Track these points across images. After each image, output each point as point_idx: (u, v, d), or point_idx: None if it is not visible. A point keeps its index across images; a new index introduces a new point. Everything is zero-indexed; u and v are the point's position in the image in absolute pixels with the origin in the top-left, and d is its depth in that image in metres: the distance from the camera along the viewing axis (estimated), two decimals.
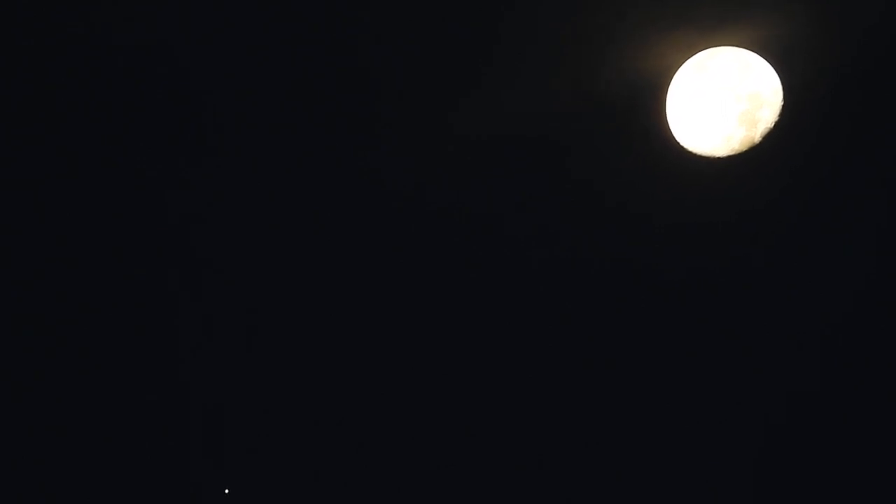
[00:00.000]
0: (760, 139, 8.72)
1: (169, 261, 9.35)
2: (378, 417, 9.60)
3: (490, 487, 9.57)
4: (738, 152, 8.77)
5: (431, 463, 9.58)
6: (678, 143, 8.90)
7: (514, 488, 9.55)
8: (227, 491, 9.50)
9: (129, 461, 9.49)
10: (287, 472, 9.66)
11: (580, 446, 9.52)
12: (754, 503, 9.46)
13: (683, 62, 8.80)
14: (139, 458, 9.50)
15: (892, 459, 9.20)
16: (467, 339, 9.54)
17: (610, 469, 9.51)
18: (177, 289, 9.44)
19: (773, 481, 9.41)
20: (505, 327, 9.52)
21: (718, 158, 8.83)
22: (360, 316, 9.52)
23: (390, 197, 9.22)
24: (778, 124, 8.70)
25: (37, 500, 9.37)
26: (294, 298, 9.52)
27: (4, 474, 9.36)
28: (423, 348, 9.54)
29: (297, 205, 9.29)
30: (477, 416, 9.55)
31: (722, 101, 8.62)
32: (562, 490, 9.51)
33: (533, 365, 9.55)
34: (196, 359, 9.52)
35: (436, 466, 9.57)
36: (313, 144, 9.10)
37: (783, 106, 8.68)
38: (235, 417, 9.62)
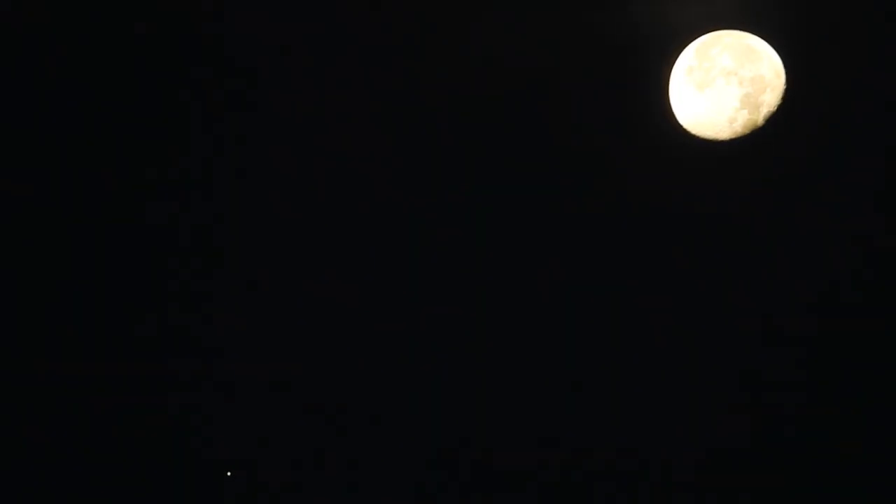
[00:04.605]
0: (763, 122, 8.70)
1: (169, 259, 9.40)
2: (378, 416, 9.64)
3: (490, 485, 9.61)
4: (741, 135, 8.76)
5: (431, 460, 9.62)
6: (681, 127, 8.89)
7: (513, 486, 9.60)
8: (228, 473, 9.56)
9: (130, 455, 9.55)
10: (288, 467, 9.71)
11: (580, 446, 9.56)
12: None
13: (687, 45, 8.78)
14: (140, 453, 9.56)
15: (893, 459, 9.23)
16: (467, 336, 9.56)
17: (610, 468, 9.55)
18: (180, 285, 9.48)
19: (773, 482, 9.45)
20: (503, 318, 9.55)
21: (721, 142, 8.81)
22: (359, 315, 9.55)
23: (389, 194, 9.24)
24: (781, 107, 8.69)
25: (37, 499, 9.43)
26: (294, 297, 9.55)
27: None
28: (424, 346, 9.57)
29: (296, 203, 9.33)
30: (477, 416, 9.59)
31: (725, 84, 8.60)
32: (562, 488, 9.57)
33: (532, 359, 9.58)
34: (195, 356, 9.56)
35: (435, 465, 9.61)
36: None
37: (786, 89, 8.67)
38: (236, 414, 9.66)
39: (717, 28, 8.74)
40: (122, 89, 8.99)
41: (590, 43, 8.95)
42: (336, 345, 9.62)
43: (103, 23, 8.78)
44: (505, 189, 9.32)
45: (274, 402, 9.66)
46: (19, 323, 9.38)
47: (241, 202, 9.39)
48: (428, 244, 9.45)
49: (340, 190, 9.43)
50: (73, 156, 9.10)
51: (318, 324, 9.62)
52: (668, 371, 9.48)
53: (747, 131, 8.72)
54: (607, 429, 9.56)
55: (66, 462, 9.47)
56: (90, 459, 9.49)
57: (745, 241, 9.30)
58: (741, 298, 9.40)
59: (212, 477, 9.60)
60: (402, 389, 9.65)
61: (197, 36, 8.93)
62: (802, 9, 8.67)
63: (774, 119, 8.69)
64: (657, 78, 8.90)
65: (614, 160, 9.21)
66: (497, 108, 9.15)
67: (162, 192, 9.27)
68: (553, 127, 9.23)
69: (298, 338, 9.63)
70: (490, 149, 9.21)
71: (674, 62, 8.84)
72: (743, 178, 9.12)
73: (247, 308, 9.59)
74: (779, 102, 8.67)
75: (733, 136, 8.75)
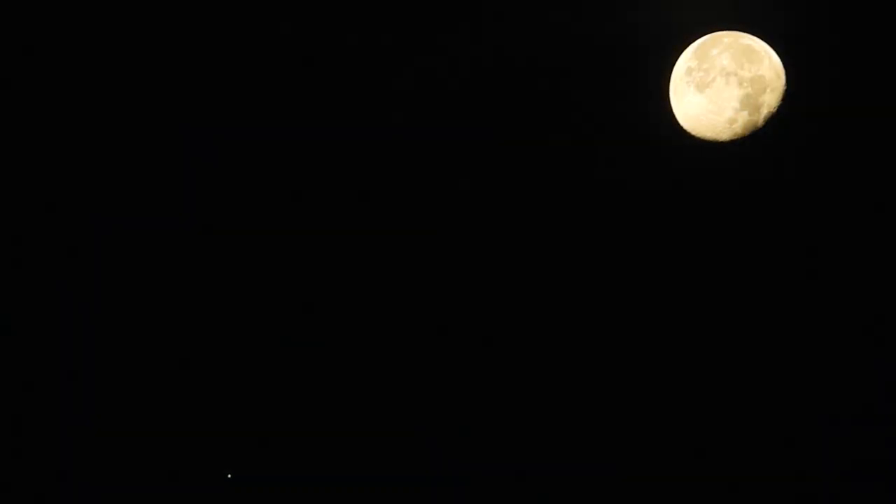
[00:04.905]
0: (763, 123, 8.67)
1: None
2: (376, 414, 9.65)
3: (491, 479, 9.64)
4: (741, 136, 8.73)
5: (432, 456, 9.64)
6: (681, 127, 8.86)
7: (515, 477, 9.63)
8: (229, 476, 9.57)
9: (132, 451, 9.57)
10: (287, 462, 9.72)
11: (578, 450, 9.57)
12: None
13: (686, 46, 8.76)
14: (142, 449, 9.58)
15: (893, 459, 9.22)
16: (465, 335, 9.57)
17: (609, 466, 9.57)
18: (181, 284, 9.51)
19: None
20: (502, 318, 9.55)
21: (721, 143, 8.79)
22: (360, 313, 9.56)
23: (387, 192, 9.26)
24: (781, 108, 8.66)
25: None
26: (292, 294, 9.57)
27: None
28: (425, 344, 9.57)
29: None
30: (473, 421, 9.60)
31: (725, 84, 8.57)
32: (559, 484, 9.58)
33: (532, 356, 9.58)
34: (196, 352, 9.58)
35: (437, 463, 9.63)
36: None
37: (786, 90, 8.64)
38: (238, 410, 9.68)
39: (716, 28, 8.71)
40: None
41: (590, 44, 8.94)
42: (334, 343, 9.64)
43: None
44: (503, 190, 9.31)
45: (273, 402, 9.69)
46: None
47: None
48: (426, 243, 9.45)
49: (339, 186, 9.46)
50: None
51: (316, 323, 9.64)
52: (667, 371, 9.47)
53: (747, 132, 8.69)
54: (606, 430, 9.57)
55: (67, 463, 9.49)
56: (91, 460, 9.50)
57: (746, 243, 9.29)
58: (741, 298, 9.38)
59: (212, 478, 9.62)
60: (401, 389, 9.66)
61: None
62: (802, 9, 8.65)
63: (775, 120, 8.66)
64: (657, 79, 8.88)
65: (614, 161, 9.20)
66: (496, 110, 9.14)
67: None
68: (553, 128, 9.22)
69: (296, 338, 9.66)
70: (488, 150, 9.20)
71: (673, 63, 8.81)
72: (743, 179, 9.10)
73: (246, 307, 9.62)
74: (779, 103, 8.63)
75: (733, 138, 8.71)
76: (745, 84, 8.53)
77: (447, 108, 9.15)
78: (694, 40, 8.74)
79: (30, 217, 9.29)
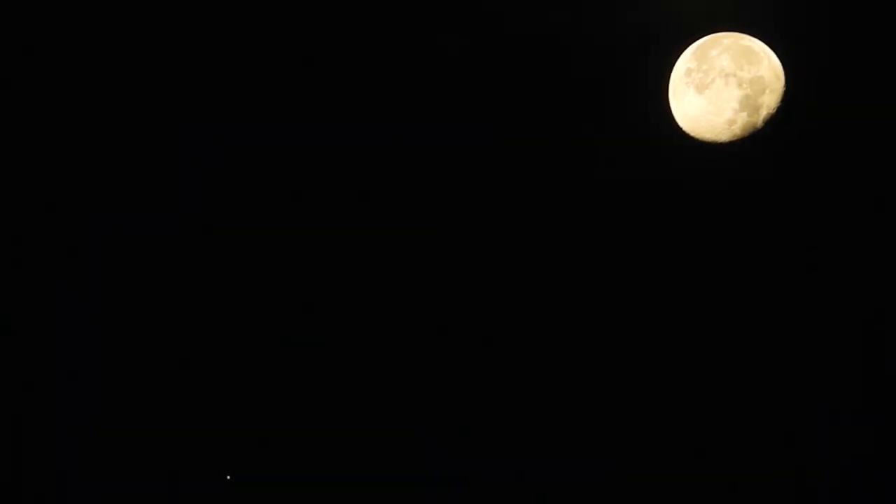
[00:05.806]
0: (763, 124, 8.67)
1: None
2: (376, 414, 9.65)
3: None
4: (740, 138, 8.73)
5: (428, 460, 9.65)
6: (680, 128, 8.86)
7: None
8: (228, 477, 9.57)
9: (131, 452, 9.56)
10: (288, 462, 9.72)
11: (578, 450, 9.57)
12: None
13: (685, 47, 8.76)
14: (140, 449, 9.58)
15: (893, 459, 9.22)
16: (465, 334, 9.57)
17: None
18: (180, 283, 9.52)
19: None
20: (500, 319, 9.55)
21: (720, 144, 8.79)
22: (360, 313, 9.55)
23: (387, 192, 9.27)
24: (780, 109, 8.65)
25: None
26: (292, 294, 9.57)
27: None
28: (425, 344, 9.57)
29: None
30: (473, 421, 9.60)
31: (724, 86, 8.57)
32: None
33: (532, 356, 9.58)
34: (196, 352, 9.58)
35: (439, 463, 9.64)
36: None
37: (786, 91, 8.63)
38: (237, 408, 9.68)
39: (716, 30, 8.71)
40: None
41: (590, 44, 8.94)
42: (334, 343, 9.64)
43: None
44: (503, 190, 9.31)
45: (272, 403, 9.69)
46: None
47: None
48: (426, 243, 9.45)
49: (339, 186, 9.47)
50: None
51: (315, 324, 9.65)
52: (669, 372, 9.47)
53: (746, 133, 8.68)
54: (605, 430, 9.57)
55: (67, 463, 9.49)
56: (91, 460, 9.50)
57: (745, 244, 9.28)
58: (742, 298, 9.38)
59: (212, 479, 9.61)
60: (401, 389, 9.66)
61: None
62: (802, 10, 8.65)
63: (774, 121, 8.65)
64: (656, 80, 8.88)
65: (613, 162, 9.20)
66: (496, 110, 9.15)
67: None
68: (553, 128, 9.22)
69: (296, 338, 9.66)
70: (488, 150, 9.21)
71: (673, 64, 8.81)
72: (742, 180, 9.10)
73: (246, 307, 9.62)
74: (778, 104, 8.63)
75: (732, 139, 8.71)
76: (745, 85, 8.53)
77: (447, 107, 9.15)
78: (693, 41, 8.74)
79: (30, 217, 9.30)
